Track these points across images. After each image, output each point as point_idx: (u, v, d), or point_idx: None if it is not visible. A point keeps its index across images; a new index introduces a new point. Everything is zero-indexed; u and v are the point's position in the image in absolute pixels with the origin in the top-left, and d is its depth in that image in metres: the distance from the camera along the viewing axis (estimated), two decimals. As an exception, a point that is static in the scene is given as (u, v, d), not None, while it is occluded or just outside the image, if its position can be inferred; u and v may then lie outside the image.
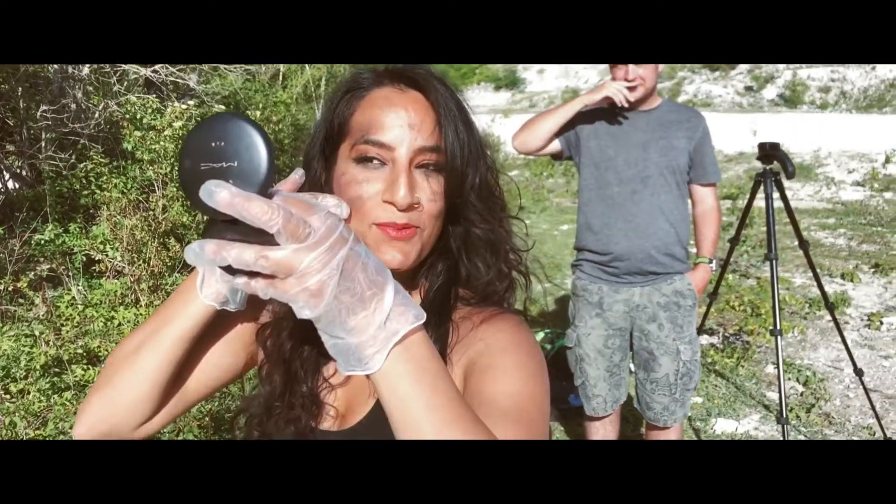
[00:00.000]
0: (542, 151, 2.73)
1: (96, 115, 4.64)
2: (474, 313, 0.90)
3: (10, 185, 4.85)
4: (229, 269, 0.57)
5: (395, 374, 0.61)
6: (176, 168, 4.48)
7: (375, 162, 0.83)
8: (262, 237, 0.55)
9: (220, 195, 0.53)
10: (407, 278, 0.91)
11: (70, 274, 4.44)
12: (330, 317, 0.58)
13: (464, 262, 0.92)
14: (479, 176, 0.88)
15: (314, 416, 0.92)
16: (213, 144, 0.57)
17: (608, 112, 2.67)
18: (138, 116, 4.31)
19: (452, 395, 0.65)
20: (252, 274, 0.57)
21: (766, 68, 21.83)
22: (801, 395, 4.05)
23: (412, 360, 0.62)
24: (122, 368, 0.84)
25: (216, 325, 0.92)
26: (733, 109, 20.96)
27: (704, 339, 4.81)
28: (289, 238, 0.55)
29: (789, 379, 4.20)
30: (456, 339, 0.87)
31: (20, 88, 4.52)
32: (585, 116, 2.68)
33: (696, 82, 23.04)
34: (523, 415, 0.77)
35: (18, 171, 4.89)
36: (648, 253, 2.59)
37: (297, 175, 0.73)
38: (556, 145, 2.72)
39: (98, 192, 4.63)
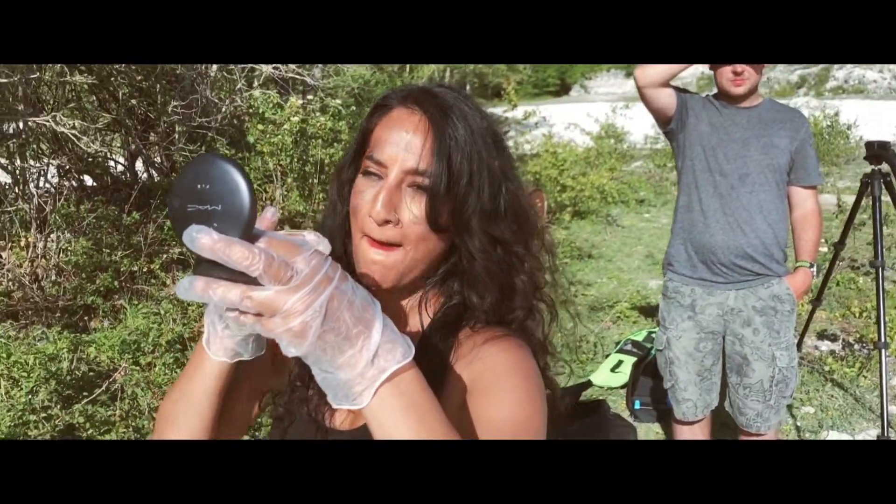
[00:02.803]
0: (658, 97, 2.56)
1: (223, 110, 4.98)
2: (481, 332, 0.90)
3: (150, 173, 5.30)
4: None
5: (384, 410, 0.63)
6: (294, 160, 4.72)
7: (374, 176, 0.86)
8: (248, 276, 0.56)
9: (202, 241, 0.55)
10: (421, 289, 0.94)
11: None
12: (315, 355, 0.60)
13: (465, 288, 0.92)
14: (478, 204, 0.87)
15: (327, 406, 0.93)
16: (199, 187, 0.58)
17: (710, 104, 2.58)
18: (260, 111, 4.57)
19: (442, 430, 0.66)
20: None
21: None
22: (930, 411, 3.73)
23: (401, 395, 0.64)
24: (167, 429, 0.87)
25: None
26: (889, 96, 19.32)
27: (825, 346, 4.52)
28: (271, 281, 0.56)
29: (917, 394, 3.88)
30: (458, 355, 0.88)
31: (158, 85, 4.91)
32: (692, 102, 2.59)
33: (848, 67, 21.39)
34: (518, 439, 0.78)
35: (156, 161, 5.33)
36: (744, 251, 2.49)
37: (269, 214, 0.73)
38: (671, 96, 2.56)
39: (224, 181, 4.94)
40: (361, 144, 0.91)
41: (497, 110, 8.69)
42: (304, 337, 0.58)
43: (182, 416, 0.86)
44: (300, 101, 4.60)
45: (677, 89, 2.59)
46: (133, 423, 3.14)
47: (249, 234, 0.58)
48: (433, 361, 0.88)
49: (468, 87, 15.02)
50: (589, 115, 11.44)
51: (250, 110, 4.65)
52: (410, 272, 0.87)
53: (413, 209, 0.84)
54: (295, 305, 0.57)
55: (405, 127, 0.85)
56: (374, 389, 0.62)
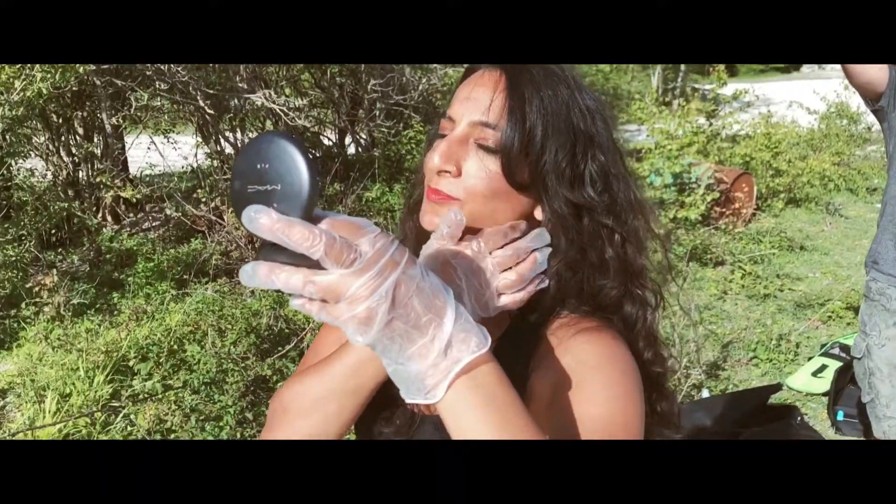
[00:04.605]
0: (865, 70, 2.17)
1: (418, 88, 5.16)
2: (574, 321, 0.84)
3: (352, 148, 5.65)
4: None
5: (459, 404, 0.59)
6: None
7: (445, 136, 0.84)
8: (312, 260, 0.54)
9: (261, 221, 0.52)
10: None
11: (391, 228, 5.04)
12: (383, 344, 0.56)
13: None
14: (558, 165, 0.82)
15: None
16: (259, 167, 0.56)
17: None
18: (454, 89, 4.67)
19: (525, 429, 0.61)
20: None
21: None
22: None
23: (477, 388, 0.59)
24: (297, 421, 0.83)
25: None
26: None
27: None
28: (334, 263, 0.53)
29: None
30: (549, 346, 0.83)
31: (362, 65, 5.19)
32: None
33: None
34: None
35: (361, 136, 5.67)
36: None
37: (453, 216, 0.72)
38: (882, 70, 2.23)
39: (418, 157, 5.14)
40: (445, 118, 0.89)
41: (706, 87, 8.15)
42: (370, 324, 0.54)
43: (321, 412, 0.82)
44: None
45: None
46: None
47: (311, 215, 0.55)
48: (519, 350, 0.84)
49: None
50: (816, 93, 10.35)
51: (443, 88, 4.78)
52: (471, 227, 0.82)
53: (483, 164, 0.81)
54: (359, 290, 0.53)
55: (479, 83, 0.83)
56: (448, 382, 0.57)
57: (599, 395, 0.76)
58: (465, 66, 0.92)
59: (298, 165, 0.55)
